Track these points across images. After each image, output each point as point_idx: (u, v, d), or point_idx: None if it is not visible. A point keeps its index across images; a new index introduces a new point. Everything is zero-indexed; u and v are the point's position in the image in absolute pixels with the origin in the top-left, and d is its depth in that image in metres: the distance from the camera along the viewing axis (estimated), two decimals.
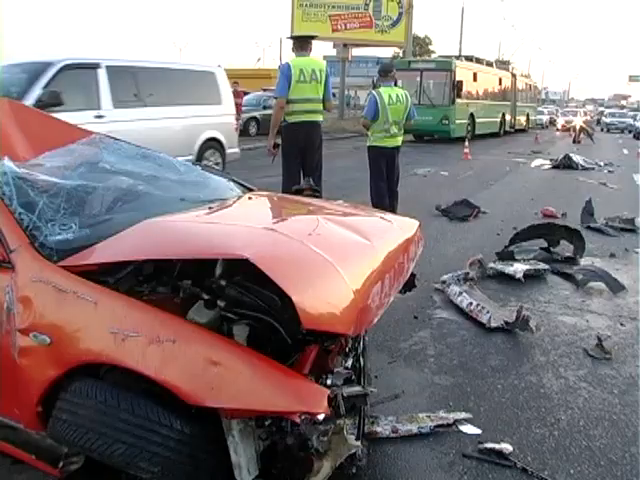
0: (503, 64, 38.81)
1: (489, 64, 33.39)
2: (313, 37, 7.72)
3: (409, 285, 3.90)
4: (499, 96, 33.14)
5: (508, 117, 34.41)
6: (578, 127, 33.92)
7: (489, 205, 10.71)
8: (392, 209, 7.58)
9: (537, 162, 19.74)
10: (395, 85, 8.26)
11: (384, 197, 7.98)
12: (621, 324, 5.38)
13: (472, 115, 28.12)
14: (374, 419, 3.57)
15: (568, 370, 4.44)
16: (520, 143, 28.21)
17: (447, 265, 6.66)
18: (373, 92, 8.12)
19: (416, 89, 25.84)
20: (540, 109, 53.14)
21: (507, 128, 34.24)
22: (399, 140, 8.17)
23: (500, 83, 33.29)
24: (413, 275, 3.89)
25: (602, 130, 47.24)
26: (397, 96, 7.94)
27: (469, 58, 30.09)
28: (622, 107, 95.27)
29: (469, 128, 27.74)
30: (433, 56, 43.38)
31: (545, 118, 51.03)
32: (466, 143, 20.43)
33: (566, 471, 3.25)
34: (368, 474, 3.17)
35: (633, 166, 19.94)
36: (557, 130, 43.85)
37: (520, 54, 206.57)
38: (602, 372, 4.44)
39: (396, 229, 3.58)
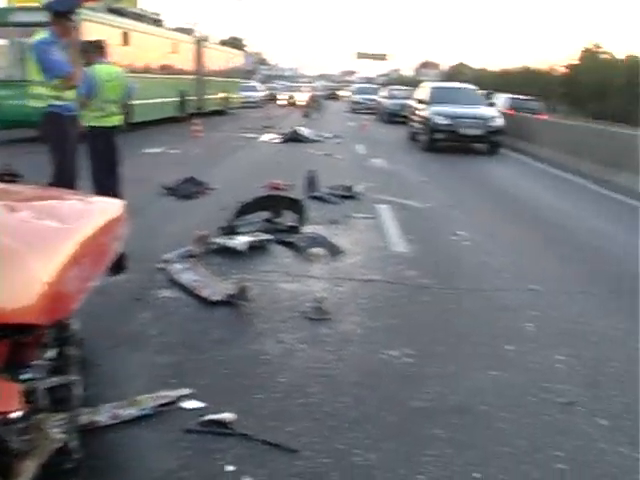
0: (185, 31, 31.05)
1: (157, 23, 25.61)
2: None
3: (120, 267, 3.82)
4: (176, 69, 25.32)
5: (193, 96, 27.12)
6: (305, 102, 35.22)
7: (218, 181, 10.80)
8: (114, 191, 7.35)
9: (267, 137, 20.32)
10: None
11: (105, 178, 7.72)
12: (338, 285, 5.72)
13: None
14: (93, 408, 3.45)
15: (288, 334, 4.62)
16: (251, 119, 28.85)
17: (173, 244, 6.57)
18: (88, 69, 7.77)
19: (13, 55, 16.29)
20: (253, 84, 46.75)
21: (192, 110, 26.68)
22: (117, 119, 7.92)
23: (176, 51, 25.48)
24: (123, 256, 3.81)
25: (352, 110, 40.34)
26: (113, 73, 7.69)
27: (117, 11, 20.80)
28: (350, 82, 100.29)
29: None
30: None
31: (258, 95, 43.69)
32: (197, 121, 20.42)
33: (285, 430, 3.39)
34: (90, 465, 3.04)
35: (357, 137, 21.34)
36: (280, 107, 42.96)
37: (254, 32, 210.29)
38: (320, 332, 4.69)
39: (97, 210, 3.46)
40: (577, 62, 52.10)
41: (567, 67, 52.50)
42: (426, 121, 18.17)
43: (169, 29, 28.47)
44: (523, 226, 8.65)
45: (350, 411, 3.60)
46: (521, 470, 3.15)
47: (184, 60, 26.45)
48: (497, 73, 67.43)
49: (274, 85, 59.55)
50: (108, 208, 3.57)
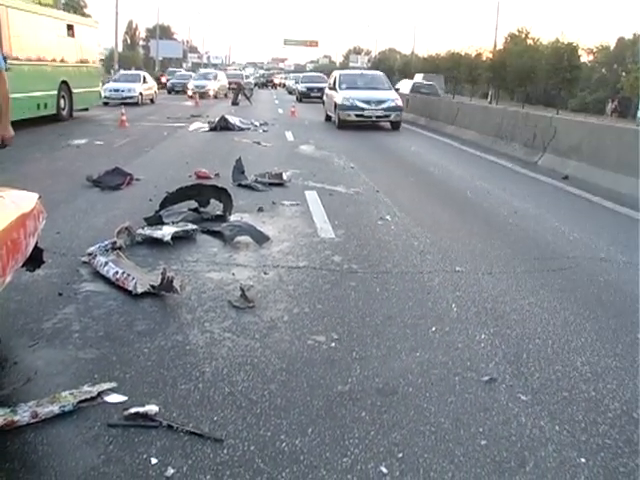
0: None
1: None
2: None
3: (37, 261, 3.72)
4: None
5: None
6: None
7: (144, 171, 10.65)
8: None
9: (195, 125, 20.12)
10: None
11: None
12: (265, 273, 5.70)
13: None
14: (12, 408, 3.37)
15: (213, 324, 4.59)
16: (180, 108, 28.51)
17: (97, 237, 6.43)
18: None
19: None
20: (137, 72, 37.67)
21: None
22: None
23: None
24: (40, 250, 3.71)
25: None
26: None
27: None
28: (281, 70, 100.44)
29: None
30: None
31: (142, 88, 31.70)
32: (123, 110, 20.05)
33: (210, 419, 3.37)
34: (7, 468, 2.97)
35: (286, 124, 21.34)
36: (189, 97, 37.12)
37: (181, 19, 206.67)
38: (245, 320, 4.67)
39: (9, 204, 3.37)
40: (502, 47, 53.23)
41: (492, 52, 53.49)
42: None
43: None
44: (447, 207, 8.79)
45: (275, 398, 3.60)
46: (444, 448, 3.21)
47: None
48: (424, 58, 68.37)
49: (185, 74, 52.43)
50: (22, 202, 3.49)
